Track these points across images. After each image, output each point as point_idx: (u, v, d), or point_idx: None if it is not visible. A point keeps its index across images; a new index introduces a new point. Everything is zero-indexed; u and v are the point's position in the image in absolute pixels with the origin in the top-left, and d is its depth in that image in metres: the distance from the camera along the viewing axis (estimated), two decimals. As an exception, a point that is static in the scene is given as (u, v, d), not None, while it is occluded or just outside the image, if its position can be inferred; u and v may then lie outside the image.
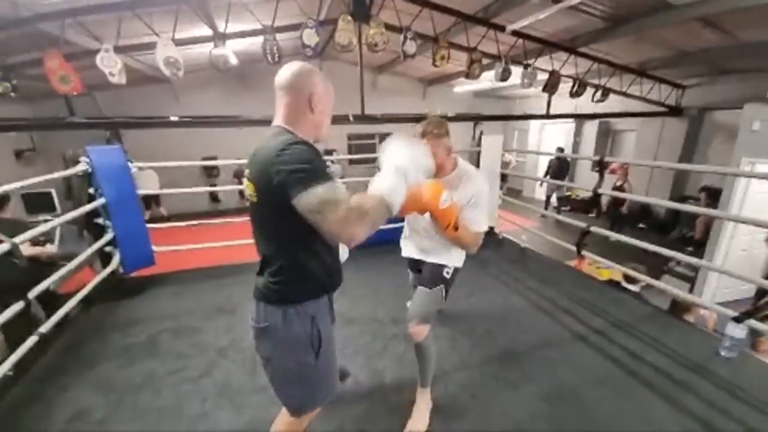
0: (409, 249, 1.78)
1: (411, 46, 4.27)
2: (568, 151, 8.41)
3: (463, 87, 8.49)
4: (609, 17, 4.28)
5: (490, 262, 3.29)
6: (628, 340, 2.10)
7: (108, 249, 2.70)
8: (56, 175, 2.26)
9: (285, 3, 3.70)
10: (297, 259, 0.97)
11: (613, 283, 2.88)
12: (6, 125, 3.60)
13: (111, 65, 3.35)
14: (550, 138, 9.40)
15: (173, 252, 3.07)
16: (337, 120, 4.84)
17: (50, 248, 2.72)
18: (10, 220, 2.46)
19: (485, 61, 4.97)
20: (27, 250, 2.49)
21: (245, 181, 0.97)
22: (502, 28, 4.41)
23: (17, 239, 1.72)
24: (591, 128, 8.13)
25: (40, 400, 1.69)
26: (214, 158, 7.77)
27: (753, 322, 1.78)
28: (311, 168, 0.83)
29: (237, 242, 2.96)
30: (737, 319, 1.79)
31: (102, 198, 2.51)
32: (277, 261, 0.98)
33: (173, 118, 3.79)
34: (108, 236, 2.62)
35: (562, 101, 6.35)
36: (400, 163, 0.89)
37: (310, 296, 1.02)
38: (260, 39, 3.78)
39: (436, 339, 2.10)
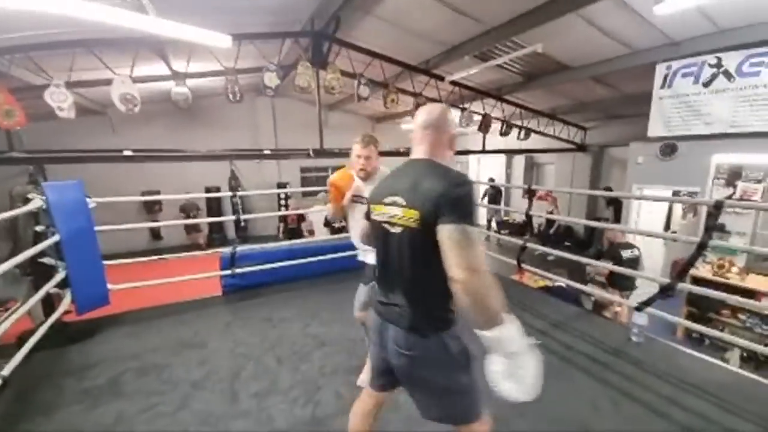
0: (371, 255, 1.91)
1: (364, 91, 4.75)
2: (500, 181, 9.51)
3: (411, 124, 9.28)
4: (524, 74, 5.25)
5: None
6: (563, 335, 2.52)
7: (53, 291, 2.52)
8: (5, 215, 2.14)
9: (245, 47, 3.96)
10: (446, 286, 0.91)
11: (546, 290, 3.38)
12: None
13: (61, 100, 3.25)
14: (486, 170, 10.54)
15: (124, 291, 2.91)
16: (297, 155, 5.08)
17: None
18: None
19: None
20: None
21: (391, 208, 1.00)
22: (441, 78, 5.13)
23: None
24: (519, 161, 9.36)
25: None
26: (156, 192, 7.38)
27: (649, 309, 2.29)
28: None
29: (204, 275, 2.94)
30: (638, 309, 2.29)
31: (55, 236, 2.39)
32: (427, 289, 1.00)
33: (127, 152, 3.69)
34: (58, 276, 2.46)
35: (495, 139, 7.33)
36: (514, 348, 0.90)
37: (455, 319, 1.05)
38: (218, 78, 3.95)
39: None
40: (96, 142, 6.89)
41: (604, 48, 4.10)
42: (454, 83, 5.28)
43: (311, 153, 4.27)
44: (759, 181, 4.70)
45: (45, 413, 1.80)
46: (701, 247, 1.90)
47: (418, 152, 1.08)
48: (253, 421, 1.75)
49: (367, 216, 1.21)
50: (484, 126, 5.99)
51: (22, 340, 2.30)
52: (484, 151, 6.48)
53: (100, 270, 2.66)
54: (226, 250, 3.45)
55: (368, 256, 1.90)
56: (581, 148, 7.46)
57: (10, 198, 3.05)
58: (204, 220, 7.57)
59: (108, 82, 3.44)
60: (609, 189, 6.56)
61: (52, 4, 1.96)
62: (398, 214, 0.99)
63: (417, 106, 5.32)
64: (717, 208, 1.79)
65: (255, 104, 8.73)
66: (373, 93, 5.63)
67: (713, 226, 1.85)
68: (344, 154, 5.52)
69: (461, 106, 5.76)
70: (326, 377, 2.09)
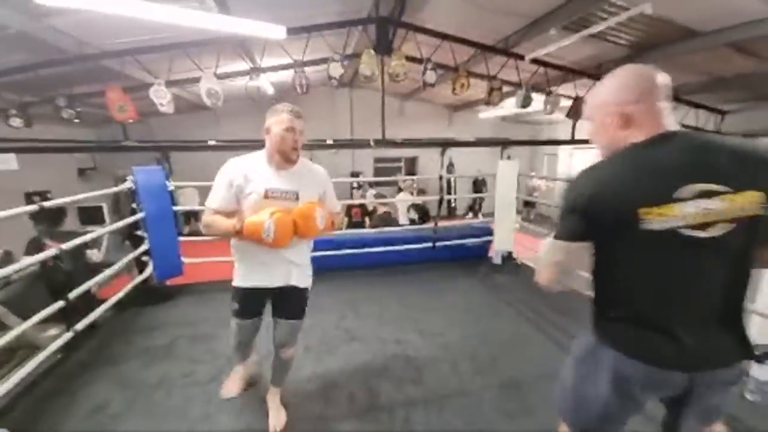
0: (265, 276, 1.47)
1: (431, 76, 4.46)
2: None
3: (489, 113, 8.56)
4: (634, 45, 4.25)
5: (504, 288, 3.22)
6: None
7: (144, 258, 2.98)
8: (104, 191, 2.58)
9: (314, 40, 4.05)
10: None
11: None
12: (70, 147, 4.12)
13: (161, 97, 3.80)
14: (579, 164, 9.16)
15: (199, 264, 3.31)
16: (360, 144, 5.10)
17: (96, 255, 3.04)
18: (66, 231, 2.80)
19: (506, 88, 5.06)
20: (96, 257, 2.83)
21: (704, 202, 0.71)
22: (521, 57, 4.50)
23: (64, 246, 1.98)
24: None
25: (65, 393, 1.87)
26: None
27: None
28: None
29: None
30: (759, 359, 1.64)
31: (142, 212, 2.81)
32: (743, 303, 0.81)
33: (211, 143, 4.18)
34: (144, 247, 2.90)
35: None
36: None
37: None
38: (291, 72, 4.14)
39: (438, 363, 2.12)
40: (204, 133, 8.11)
41: (740, 6, 3.02)
42: (537, 62, 4.59)
43: (372, 143, 4.20)
44: None
45: (111, 364, 2.13)
46: None
47: (670, 123, 0.80)
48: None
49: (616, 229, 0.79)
50: (574, 112, 5.11)
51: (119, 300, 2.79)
52: (572, 141, 5.54)
53: (175, 244, 3.04)
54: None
55: (253, 277, 1.47)
56: (715, 137, 5.85)
57: (114, 179, 3.71)
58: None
59: (198, 79, 3.89)
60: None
61: (136, 9, 2.23)
62: (719, 207, 0.71)
63: (492, 90, 4.80)
64: None
65: (334, 96, 9.09)
66: (444, 79, 5.29)
67: None
68: (408, 144, 5.33)
69: (547, 89, 5.00)
70: (346, 375, 2.02)
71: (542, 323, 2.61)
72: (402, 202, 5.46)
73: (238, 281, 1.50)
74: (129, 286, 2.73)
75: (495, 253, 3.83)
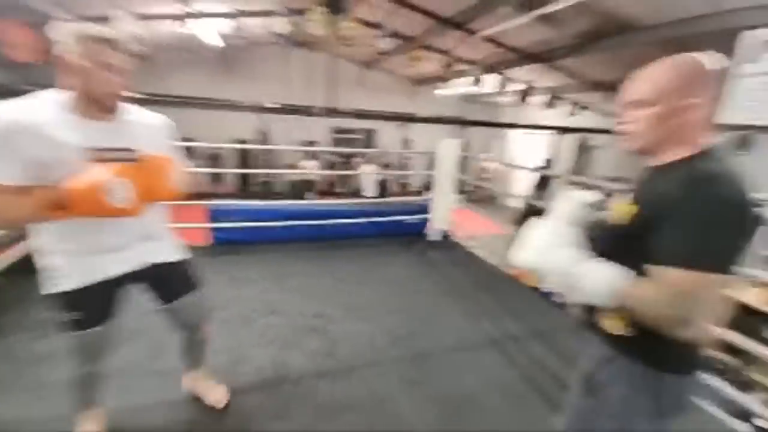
0: (111, 261, 1.11)
1: (386, 42, 4.27)
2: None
3: (448, 90, 8.50)
4: (581, 34, 4.35)
5: (435, 264, 3.32)
6: (541, 349, 2.15)
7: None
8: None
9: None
10: None
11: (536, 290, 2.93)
12: None
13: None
14: (526, 150, 9.53)
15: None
16: (304, 111, 4.85)
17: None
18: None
19: (463, 66, 5.00)
20: None
21: None
22: (473, 33, 4.44)
23: None
24: (569, 143, 8.25)
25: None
26: (191, 140, 7.69)
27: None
28: None
29: (194, 225, 2.94)
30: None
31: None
32: None
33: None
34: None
35: (538, 114, 6.42)
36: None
37: None
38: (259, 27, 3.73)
39: (356, 336, 2.15)
40: (145, 87, 7.24)
41: (679, 2, 3.18)
42: (491, 41, 4.56)
43: (316, 110, 3.99)
44: None
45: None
46: None
47: None
48: (163, 380, 1.68)
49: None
50: (526, 95, 5.22)
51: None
52: (529, 126, 5.71)
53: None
54: (215, 203, 3.45)
55: (92, 268, 1.09)
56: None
57: None
58: (226, 171, 7.78)
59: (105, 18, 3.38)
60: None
61: None
62: None
63: (448, 65, 4.73)
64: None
65: (290, 57, 8.49)
66: (401, 50, 5.11)
67: None
68: (359, 115, 5.16)
69: (499, 70, 5.02)
70: (260, 347, 1.99)
71: (461, 298, 2.74)
72: (367, 175, 5.35)
73: (66, 283, 1.06)
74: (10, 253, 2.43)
75: (433, 230, 3.92)
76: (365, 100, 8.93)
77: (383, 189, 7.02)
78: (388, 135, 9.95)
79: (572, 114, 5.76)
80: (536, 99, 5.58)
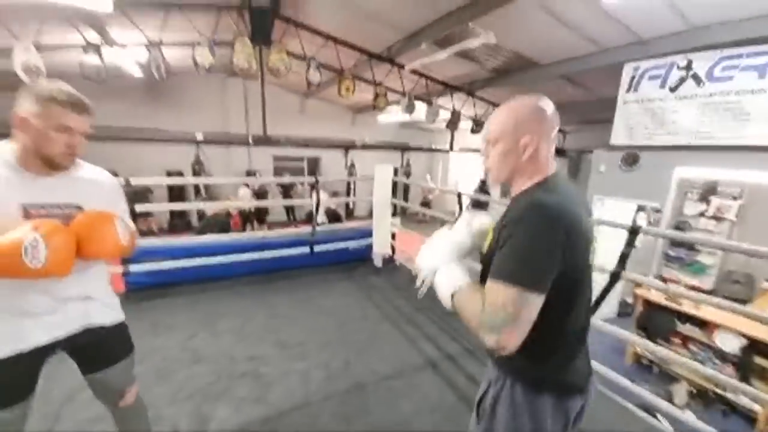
0: (42, 327, 1.00)
1: (315, 76, 4.38)
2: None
3: (387, 117, 8.90)
4: (495, 69, 4.87)
5: (377, 289, 3.32)
6: (474, 366, 2.22)
7: None
8: None
9: (177, 20, 3.57)
10: None
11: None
12: None
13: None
14: (457, 171, 10.27)
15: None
16: (238, 140, 4.73)
17: None
18: None
19: (393, 96, 5.28)
20: None
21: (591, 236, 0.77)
22: (402, 66, 4.75)
23: None
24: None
25: None
26: (114, 174, 7.02)
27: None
28: None
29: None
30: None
31: None
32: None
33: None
34: None
35: (467, 138, 6.96)
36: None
37: None
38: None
39: (290, 375, 2.04)
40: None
41: (570, 44, 3.74)
42: (418, 73, 4.91)
43: (250, 140, 3.91)
44: (735, 198, 4.41)
45: None
46: (614, 279, 1.58)
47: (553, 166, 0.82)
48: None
49: (577, 272, 0.76)
50: (452, 122, 5.64)
51: None
52: (450, 149, 6.13)
53: None
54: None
55: (20, 335, 0.97)
56: (559, 152, 7.14)
57: None
58: (158, 207, 7.19)
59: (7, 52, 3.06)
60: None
61: None
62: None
63: (377, 96, 4.96)
64: (632, 233, 1.48)
65: (225, 86, 8.29)
66: (333, 81, 5.27)
67: (627, 255, 1.53)
68: (292, 143, 5.14)
69: (428, 99, 5.40)
70: (177, 404, 1.78)
71: (400, 321, 2.75)
72: (323, 202, 5.24)
73: None
74: None
75: (375, 256, 3.94)
76: (307, 127, 8.97)
77: (335, 217, 6.96)
78: (333, 161, 10.01)
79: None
80: (464, 124, 6.06)
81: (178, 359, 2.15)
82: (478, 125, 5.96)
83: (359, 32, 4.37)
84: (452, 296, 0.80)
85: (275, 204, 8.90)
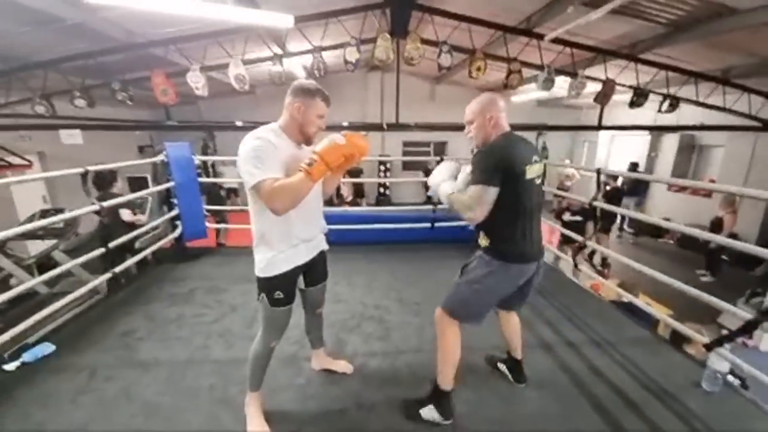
0: (306, 250, 1.48)
1: (446, 59, 4.48)
2: (642, 167, 7.56)
3: (522, 96, 8.23)
4: (670, 23, 3.92)
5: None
6: (597, 356, 2.05)
7: (176, 222, 3.49)
8: (141, 162, 3.09)
9: (335, 26, 4.24)
10: None
11: (616, 304, 2.72)
12: (117, 125, 4.77)
13: (197, 81, 4.27)
14: (618, 153, 8.53)
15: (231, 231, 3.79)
16: (373, 127, 5.29)
17: (142, 217, 3.62)
18: (113, 192, 3.37)
19: (530, 71, 4.91)
20: (127, 217, 3.40)
21: (534, 166, 1.35)
22: (541, 37, 4.35)
23: (105, 203, 2.48)
24: (671, 142, 7.19)
25: (105, 320, 2.39)
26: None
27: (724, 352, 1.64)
28: None
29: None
30: (707, 347, 1.67)
31: (172, 182, 3.29)
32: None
33: (238, 123, 4.61)
34: (174, 212, 3.40)
35: (643, 112, 5.74)
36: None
37: None
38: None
39: (407, 326, 2.34)
40: (244, 115, 8.73)
41: None
42: (561, 41, 4.39)
43: (385, 126, 4.38)
44: None
45: (143, 303, 2.63)
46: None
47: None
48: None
49: (515, 179, 1.32)
50: (603, 95, 4.83)
51: (155, 255, 3.36)
52: (599, 127, 5.26)
53: (200, 210, 3.52)
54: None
55: (297, 257, 1.43)
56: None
57: (155, 153, 4.27)
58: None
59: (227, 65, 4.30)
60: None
61: (151, 3, 2.60)
62: (538, 170, 1.39)
63: (510, 73, 4.70)
64: None
65: (366, 79, 9.25)
66: (459, 63, 5.25)
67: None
68: (421, 128, 5.37)
69: (573, 71, 4.77)
70: (325, 329, 2.31)
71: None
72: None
73: (279, 266, 1.38)
74: (161, 243, 3.27)
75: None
76: (436, 113, 9.18)
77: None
78: (460, 145, 9.98)
79: (661, 110, 5.09)
80: (619, 98, 5.12)
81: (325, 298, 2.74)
82: (640, 96, 4.93)
83: (494, 6, 4.22)
84: (448, 196, 1.42)
85: (402, 180, 9.56)
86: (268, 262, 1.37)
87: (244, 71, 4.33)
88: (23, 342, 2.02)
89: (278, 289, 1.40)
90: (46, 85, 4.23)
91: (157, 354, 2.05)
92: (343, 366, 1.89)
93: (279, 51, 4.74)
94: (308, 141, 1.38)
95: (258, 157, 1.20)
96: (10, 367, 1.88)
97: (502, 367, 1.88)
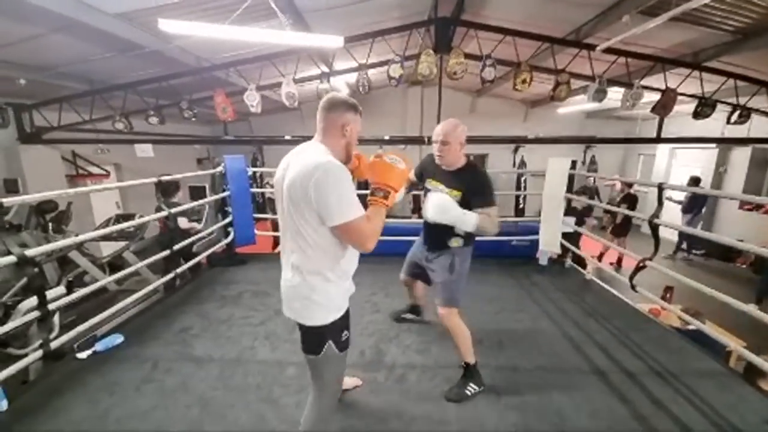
0: (350, 287, 1.38)
1: (490, 73, 4.45)
2: (706, 183, 6.88)
3: (569, 108, 7.90)
4: (737, 30, 3.62)
5: (539, 288, 3.18)
6: (659, 388, 1.88)
7: (229, 229, 3.76)
8: (202, 173, 3.38)
9: (379, 44, 4.41)
10: None
11: (679, 331, 2.47)
12: (182, 140, 5.24)
13: (252, 99, 4.61)
14: (684, 165, 7.83)
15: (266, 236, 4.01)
16: (414, 141, 5.34)
17: (197, 225, 3.94)
18: (176, 202, 3.71)
19: (579, 82, 4.73)
20: (184, 224, 3.72)
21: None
22: (592, 48, 4.19)
23: (172, 210, 2.73)
24: (742, 156, 6.50)
25: (165, 317, 2.60)
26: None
27: None
28: None
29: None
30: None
31: (228, 191, 3.56)
32: None
33: (287, 137, 4.90)
34: (228, 219, 3.66)
35: (708, 123, 5.26)
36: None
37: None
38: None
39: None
40: (291, 130, 9.22)
41: None
42: (614, 51, 4.19)
43: (426, 140, 4.41)
44: None
45: (198, 303, 2.84)
46: None
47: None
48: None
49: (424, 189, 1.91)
50: (662, 106, 4.50)
51: (209, 259, 3.62)
52: (659, 140, 4.88)
53: (250, 218, 3.76)
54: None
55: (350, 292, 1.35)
56: None
57: (212, 165, 4.64)
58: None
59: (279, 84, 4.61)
60: None
61: (236, 34, 2.88)
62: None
63: (558, 84, 4.56)
64: None
65: (406, 94, 9.42)
66: (509, 75, 5.17)
67: None
68: (472, 140, 5.29)
69: (628, 81, 4.51)
70: (364, 337, 2.35)
71: (564, 322, 2.57)
72: None
73: (344, 305, 1.27)
74: (215, 248, 3.52)
75: (541, 254, 3.73)
76: (477, 126, 9.05)
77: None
78: (500, 159, 9.75)
79: (731, 122, 4.63)
80: (680, 108, 4.75)
81: (363, 307, 2.77)
82: (705, 107, 4.54)
83: (541, 18, 4.16)
84: (480, 221, 1.63)
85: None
86: (334, 303, 1.21)
87: (295, 89, 4.61)
88: (92, 334, 2.26)
89: (345, 329, 1.25)
90: (125, 105, 4.80)
91: (210, 351, 2.20)
92: (352, 383, 1.88)
93: (326, 69, 5.00)
94: (349, 160, 1.25)
95: (346, 191, 1.06)
96: (83, 355, 2.10)
97: (408, 315, 2.52)
